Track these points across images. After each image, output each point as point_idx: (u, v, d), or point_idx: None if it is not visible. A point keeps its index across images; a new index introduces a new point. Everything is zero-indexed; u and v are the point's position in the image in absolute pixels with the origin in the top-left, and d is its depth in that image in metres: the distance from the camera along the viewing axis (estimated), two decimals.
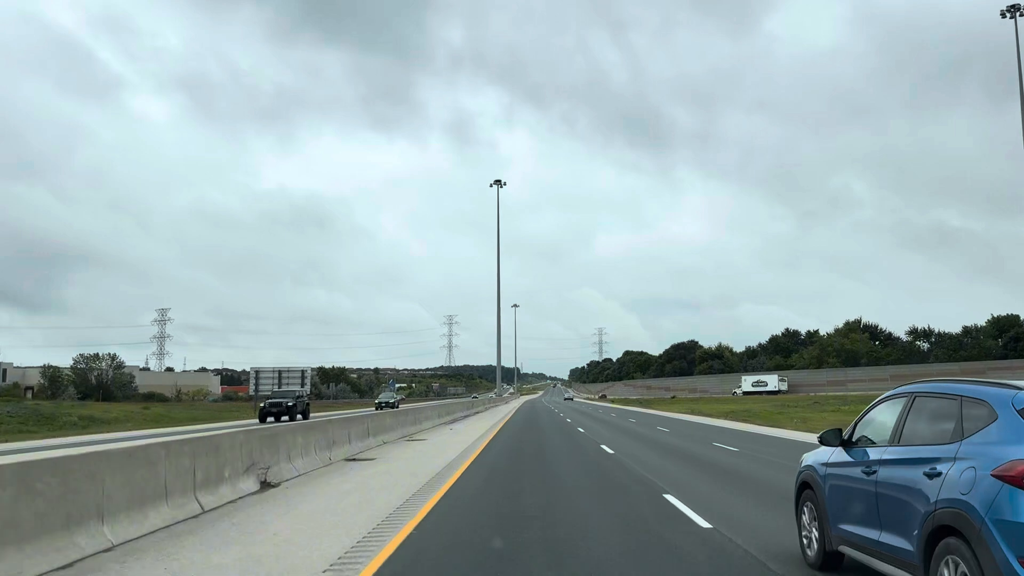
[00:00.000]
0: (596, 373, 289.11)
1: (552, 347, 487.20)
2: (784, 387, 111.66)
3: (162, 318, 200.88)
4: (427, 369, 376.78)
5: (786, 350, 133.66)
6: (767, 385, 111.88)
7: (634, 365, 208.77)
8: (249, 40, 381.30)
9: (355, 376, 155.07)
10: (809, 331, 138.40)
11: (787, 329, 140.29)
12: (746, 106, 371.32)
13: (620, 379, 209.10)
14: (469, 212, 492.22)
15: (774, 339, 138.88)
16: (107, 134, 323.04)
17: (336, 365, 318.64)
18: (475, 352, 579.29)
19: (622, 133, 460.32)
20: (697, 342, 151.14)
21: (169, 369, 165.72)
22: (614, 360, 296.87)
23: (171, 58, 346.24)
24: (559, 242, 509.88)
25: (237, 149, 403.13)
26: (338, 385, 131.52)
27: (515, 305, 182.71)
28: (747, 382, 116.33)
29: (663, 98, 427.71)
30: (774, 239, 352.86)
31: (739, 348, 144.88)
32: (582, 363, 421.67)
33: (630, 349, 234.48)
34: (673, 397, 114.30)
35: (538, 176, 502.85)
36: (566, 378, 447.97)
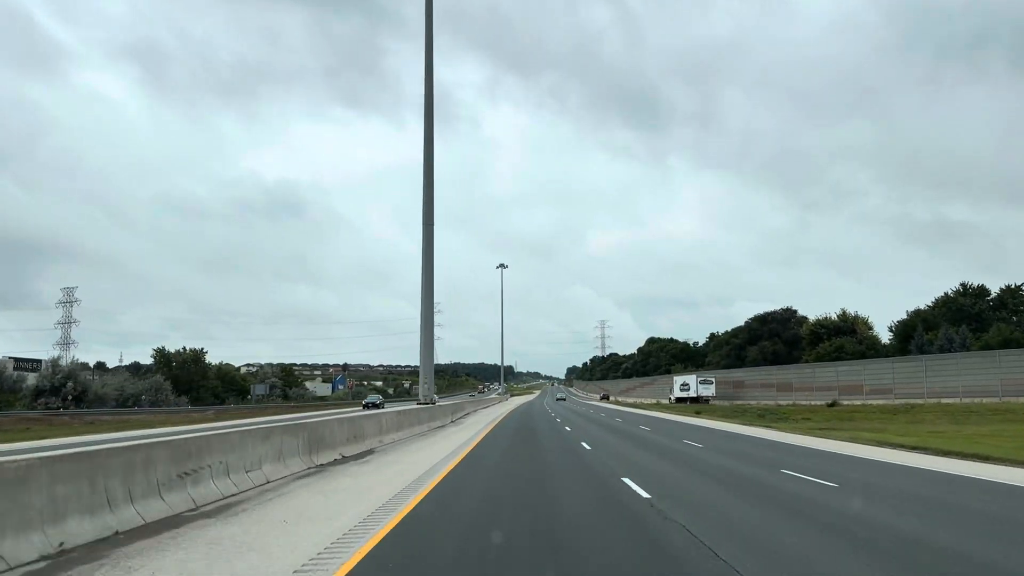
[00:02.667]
0: (606, 369, 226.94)
1: (548, 346, 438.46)
2: (710, 392, 77.08)
3: (68, 299, 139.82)
4: (406, 366, 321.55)
5: (975, 317, 71.81)
6: (689, 389, 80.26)
7: (667, 355, 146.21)
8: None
9: (244, 371, 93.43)
10: (1009, 285, 76.63)
11: (965, 284, 78.59)
12: (748, 85, 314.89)
13: (645, 374, 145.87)
14: (454, 202, 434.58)
15: (946, 301, 76.77)
16: (56, 111, 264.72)
17: (322, 363, 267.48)
18: (466, 349, 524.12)
19: (616, 110, 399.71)
20: (796, 311, 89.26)
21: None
22: (621, 355, 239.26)
23: (118, 25, 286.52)
24: (550, 238, 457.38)
25: (203, 131, 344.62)
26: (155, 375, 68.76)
27: (502, 266, 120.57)
28: (676, 384, 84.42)
29: (660, 71, 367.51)
30: (772, 233, 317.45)
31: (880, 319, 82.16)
32: (576, 362, 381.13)
33: (655, 336, 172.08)
34: (833, 404, 52.68)
35: (526, 165, 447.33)
36: (563, 377, 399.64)
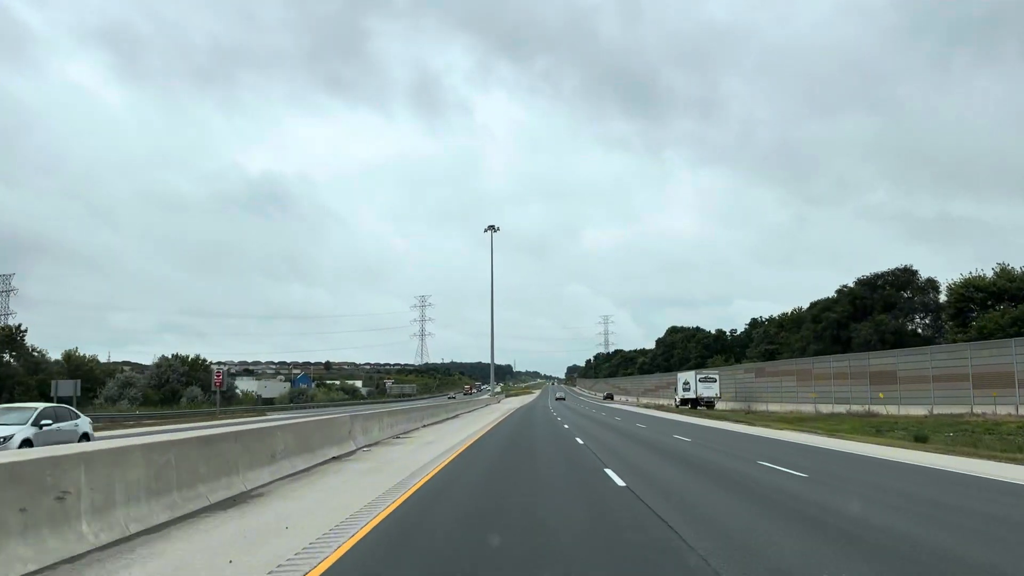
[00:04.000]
0: (614, 366, 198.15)
1: (547, 344, 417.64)
2: (712, 392, 61.78)
3: (3, 288, 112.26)
4: (395, 364, 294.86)
5: None
6: (690, 389, 64.06)
7: (697, 346, 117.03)
8: None
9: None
10: None
11: None
12: (749, 72, 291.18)
13: (668, 370, 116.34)
14: (448, 198, 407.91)
15: None
16: (22, 98, 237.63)
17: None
18: (462, 348, 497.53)
19: (613, 96, 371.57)
20: (916, 271, 59.10)
21: None
22: (627, 350, 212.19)
23: (86, 7, 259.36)
24: (545, 235, 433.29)
25: (180, 121, 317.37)
26: None
27: (492, 228, 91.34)
28: (679, 383, 68.34)
29: (658, 56, 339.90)
30: (773, 229, 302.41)
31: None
32: (576, 360, 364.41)
33: (676, 325, 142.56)
34: None
35: (520, 159, 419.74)
36: (563, 376, 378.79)
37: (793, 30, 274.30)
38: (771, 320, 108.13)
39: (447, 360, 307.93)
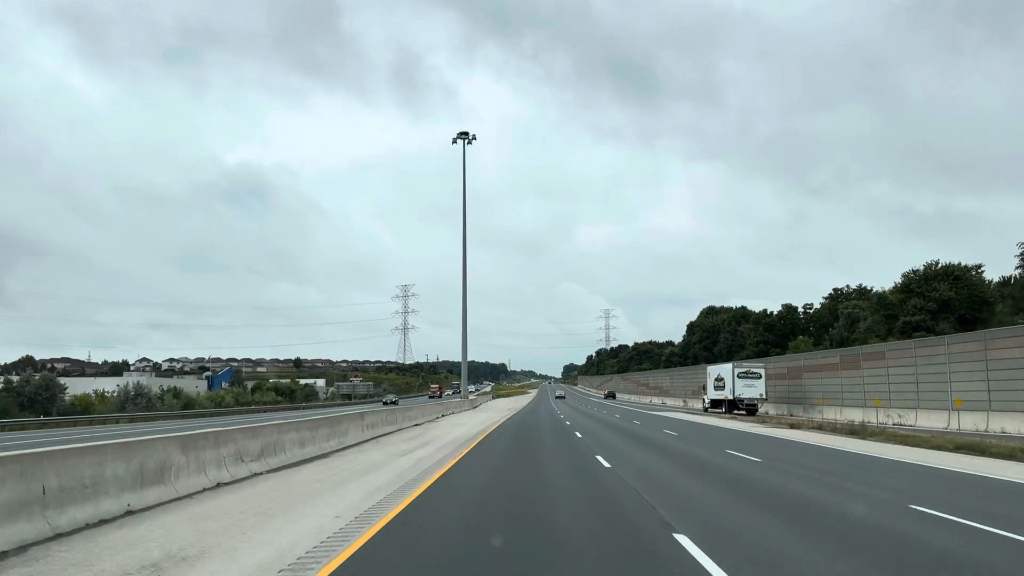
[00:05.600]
0: (624, 360, 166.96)
1: (543, 342, 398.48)
2: (757, 392, 46.80)
3: None
4: (376, 361, 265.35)
5: None
6: (723, 387, 49.45)
7: (758, 328, 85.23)
8: None
9: None
10: None
11: None
12: (747, 58, 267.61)
13: (710, 361, 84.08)
14: (441, 196, 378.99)
15: None
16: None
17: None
18: (454, 347, 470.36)
19: (606, 83, 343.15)
20: None
21: None
22: (631, 345, 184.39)
23: None
24: (538, 232, 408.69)
25: (151, 106, 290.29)
26: None
27: (464, 135, 59.52)
28: (710, 379, 53.47)
29: (654, 35, 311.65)
30: (770, 224, 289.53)
31: None
32: (572, 359, 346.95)
33: (714, 305, 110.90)
34: None
35: (512, 155, 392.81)
36: (559, 376, 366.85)
37: (793, 11, 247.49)
38: (862, 291, 77.05)
39: (441, 359, 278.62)
